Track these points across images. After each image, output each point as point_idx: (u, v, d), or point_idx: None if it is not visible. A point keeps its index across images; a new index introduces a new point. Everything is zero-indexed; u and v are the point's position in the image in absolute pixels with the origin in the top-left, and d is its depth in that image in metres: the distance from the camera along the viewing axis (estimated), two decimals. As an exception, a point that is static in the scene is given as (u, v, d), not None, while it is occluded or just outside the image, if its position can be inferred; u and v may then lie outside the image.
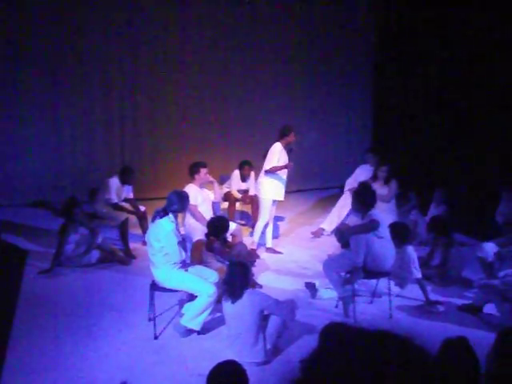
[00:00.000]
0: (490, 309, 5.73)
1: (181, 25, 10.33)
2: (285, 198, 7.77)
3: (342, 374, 1.33)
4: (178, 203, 5.49)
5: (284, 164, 7.43)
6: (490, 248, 6.48)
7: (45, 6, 9.64)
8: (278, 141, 7.51)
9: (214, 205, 7.63)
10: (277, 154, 7.43)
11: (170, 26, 10.31)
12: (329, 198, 9.99)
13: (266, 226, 7.77)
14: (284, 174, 7.57)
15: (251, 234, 8.24)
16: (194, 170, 7.08)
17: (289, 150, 7.56)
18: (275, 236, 8.30)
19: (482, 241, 6.80)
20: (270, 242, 7.88)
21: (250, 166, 8.93)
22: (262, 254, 7.71)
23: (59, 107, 10.07)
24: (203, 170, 7.06)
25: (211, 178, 7.24)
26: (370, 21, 11.12)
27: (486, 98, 8.21)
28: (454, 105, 8.82)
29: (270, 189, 7.54)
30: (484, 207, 7.60)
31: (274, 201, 7.67)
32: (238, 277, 4.83)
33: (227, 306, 4.86)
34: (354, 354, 1.39)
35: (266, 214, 7.64)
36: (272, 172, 7.45)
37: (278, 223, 8.84)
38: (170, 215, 5.43)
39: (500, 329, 3.48)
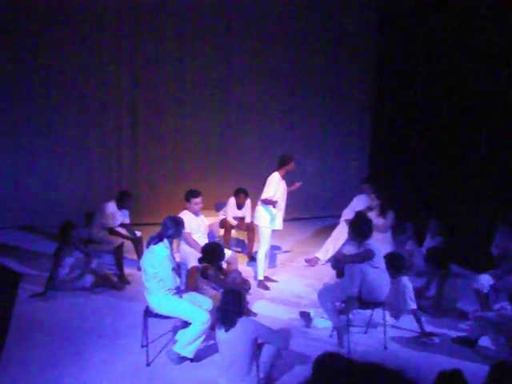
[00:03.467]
0: (485, 341, 5.70)
1: (181, 50, 10.43)
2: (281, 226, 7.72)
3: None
4: (173, 229, 5.49)
5: (275, 200, 7.27)
6: (485, 280, 6.47)
7: (31, 21, 9.68)
8: (276, 170, 7.49)
9: (210, 232, 7.60)
10: (274, 184, 7.38)
11: (171, 50, 10.40)
12: (325, 228, 9.97)
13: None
14: (280, 202, 7.47)
15: (248, 263, 8.24)
16: (186, 198, 7.16)
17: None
18: (272, 265, 8.29)
19: (477, 272, 6.79)
20: (265, 270, 7.82)
21: (245, 193, 8.92)
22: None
23: (57, 130, 10.08)
24: (193, 200, 7.10)
25: (201, 215, 7.30)
26: (369, 56, 11.23)
27: (488, 128, 8.19)
28: (453, 135, 8.82)
29: (266, 217, 7.47)
30: (480, 239, 7.59)
31: (273, 230, 7.59)
32: (231, 304, 4.80)
33: (221, 333, 4.82)
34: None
35: (265, 243, 7.56)
36: (265, 203, 7.41)
37: (275, 252, 8.81)
38: (165, 241, 5.43)
39: (494, 361, 3.46)
